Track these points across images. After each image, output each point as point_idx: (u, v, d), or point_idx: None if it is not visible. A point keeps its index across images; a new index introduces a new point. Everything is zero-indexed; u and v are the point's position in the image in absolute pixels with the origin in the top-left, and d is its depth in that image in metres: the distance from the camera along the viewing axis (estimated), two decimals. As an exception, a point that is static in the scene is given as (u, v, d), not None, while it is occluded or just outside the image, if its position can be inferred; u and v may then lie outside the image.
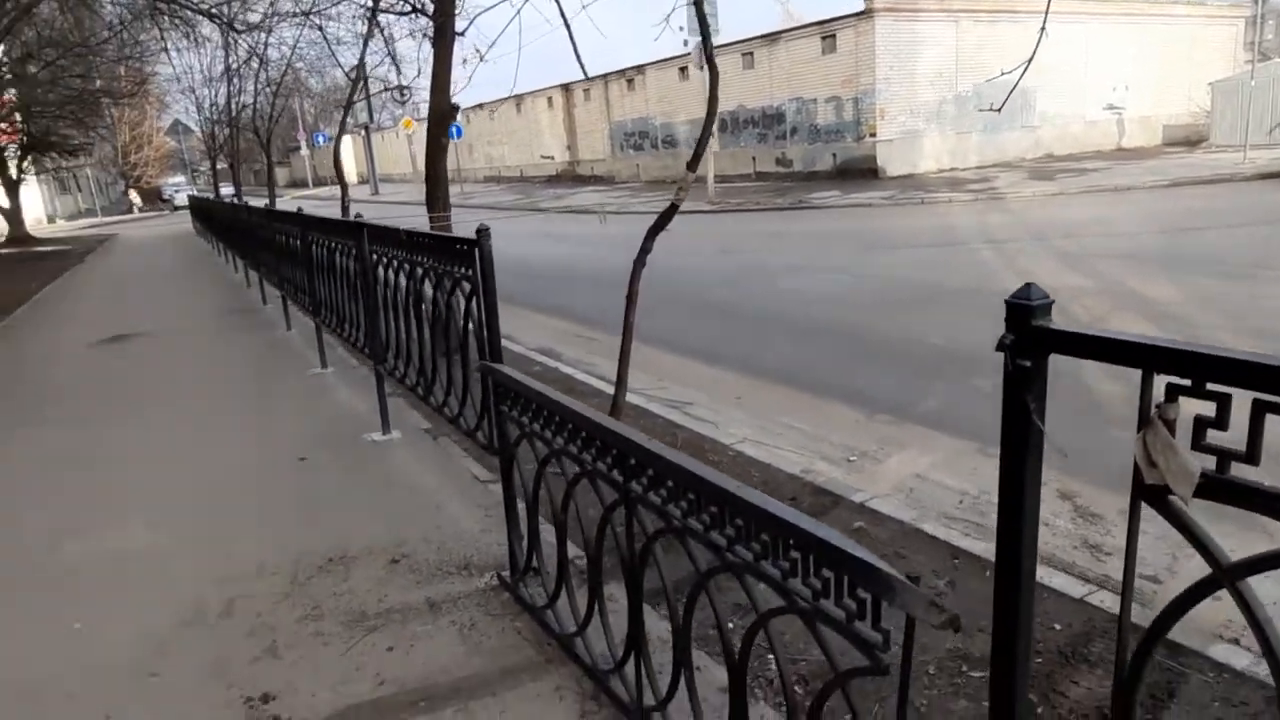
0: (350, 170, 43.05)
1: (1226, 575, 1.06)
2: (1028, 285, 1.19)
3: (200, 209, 22.00)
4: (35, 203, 36.84)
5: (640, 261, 4.39)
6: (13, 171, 27.31)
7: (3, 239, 26.64)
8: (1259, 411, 0.99)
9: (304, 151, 50.49)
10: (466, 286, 3.31)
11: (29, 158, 28.21)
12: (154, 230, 30.19)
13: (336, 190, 10.99)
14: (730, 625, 2.59)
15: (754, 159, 27.57)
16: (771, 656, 2.13)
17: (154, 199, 52.09)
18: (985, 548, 3.29)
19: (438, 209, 6.82)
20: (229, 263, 14.87)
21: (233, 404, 6.23)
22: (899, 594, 1.38)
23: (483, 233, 3.10)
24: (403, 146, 45.39)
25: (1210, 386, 1.01)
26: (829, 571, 1.52)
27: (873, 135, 23.69)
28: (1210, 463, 1.06)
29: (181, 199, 49.06)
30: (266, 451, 5.05)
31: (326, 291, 6.15)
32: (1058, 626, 2.83)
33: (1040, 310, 1.16)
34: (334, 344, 7.27)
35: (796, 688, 2.45)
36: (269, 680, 2.73)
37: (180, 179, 54.15)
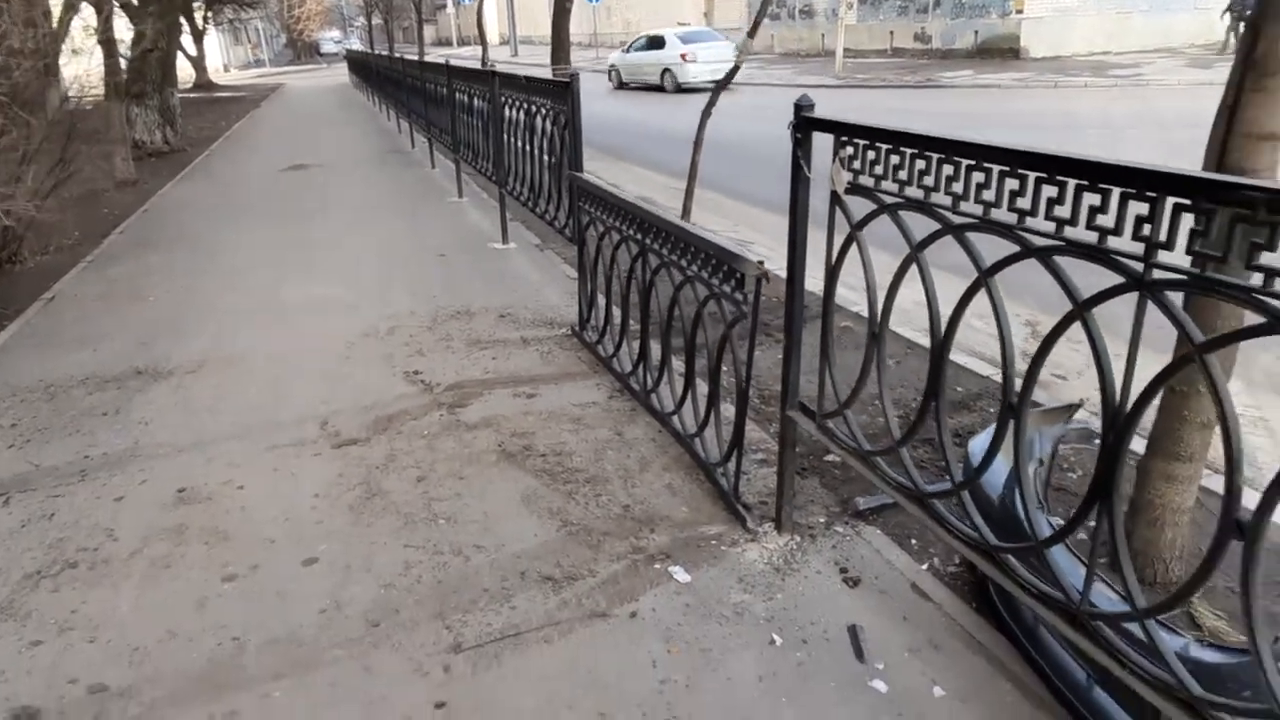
0: (492, 32, 44.12)
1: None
2: (804, 95, 2.33)
3: (357, 61, 23.82)
4: (214, 52, 39.89)
5: (706, 113, 5.51)
6: (198, 22, 29.91)
7: (190, 84, 29.51)
8: (873, 149, 2.10)
9: (450, 10, 51.75)
10: (562, 119, 4.55)
11: (211, 9, 30.74)
12: (315, 81, 32.55)
13: (478, 50, 12.27)
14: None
15: (891, 34, 26.85)
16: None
17: (312, 52, 54.97)
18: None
19: (560, 62, 7.97)
20: (382, 111, 16.58)
21: (390, 218, 7.81)
22: (751, 271, 2.59)
23: (574, 77, 4.31)
24: (543, 8, 45.85)
25: (860, 140, 2.13)
26: (725, 267, 2.74)
27: (1019, 11, 22.70)
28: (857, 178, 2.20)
29: (330, 47, 51.71)
30: (415, 249, 6.61)
31: (465, 131, 7.54)
32: (960, 389, 3.95)
33: (808, 109, 2.30)
34: (469, 180, 8.73)
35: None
36: (417, 365, 4.25)
37: (337, 33, 56.76)
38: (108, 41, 9.78)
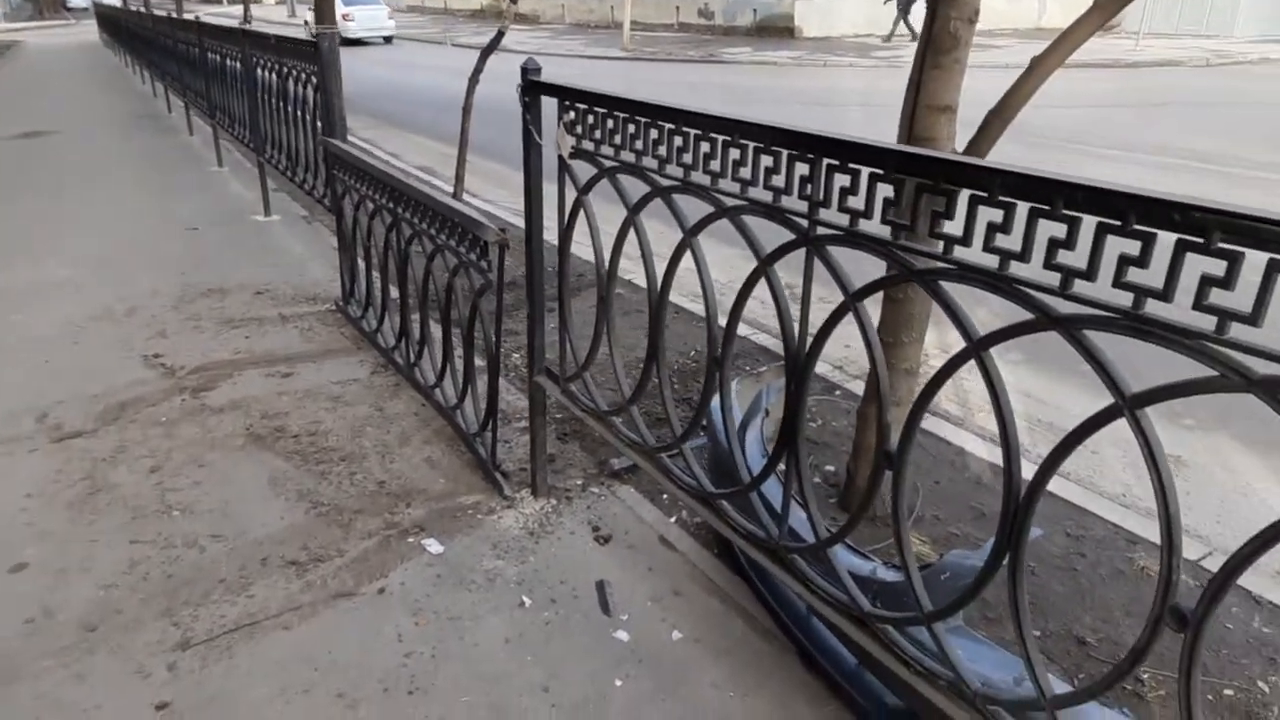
0: (269, -11, 40.95)
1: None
2: (530, 58, 2.33)
3: (108, 18, 21.30)
4: (-78, -3, 34.26)
5: (474, 80, 5.39)
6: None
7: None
8: (592, 113, 2.15)
9: (218, -36, 47.36)
10: (316, 81, 4.30)
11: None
12: (60, 39, 28.81)
13: (250, 10, 11.33)
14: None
15: (677, 8, 27.59)
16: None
17: (58, 6, 48.52)
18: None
19: (325, 22, 7.51)
20: (136, 74, 14.96)
21: (138, 190, 7.08)
22: (492, 237, 2.57)
23: (321, 36, 4.07)
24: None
25: (580, 104, 2.17)
26: (469, 235, 2.71)
27: (795, -6, 24.01)
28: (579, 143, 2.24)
29: (79, 2, 46.16)
30: (165, 224, 6.04)
31: (221, 95, 6.95)
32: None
33: (534, 73, 2.31)
34: (230, 148, 8.07)
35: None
36: (158, 348, 3.90)
37: (84, -16, 50.38)
38: None
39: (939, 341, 3.98)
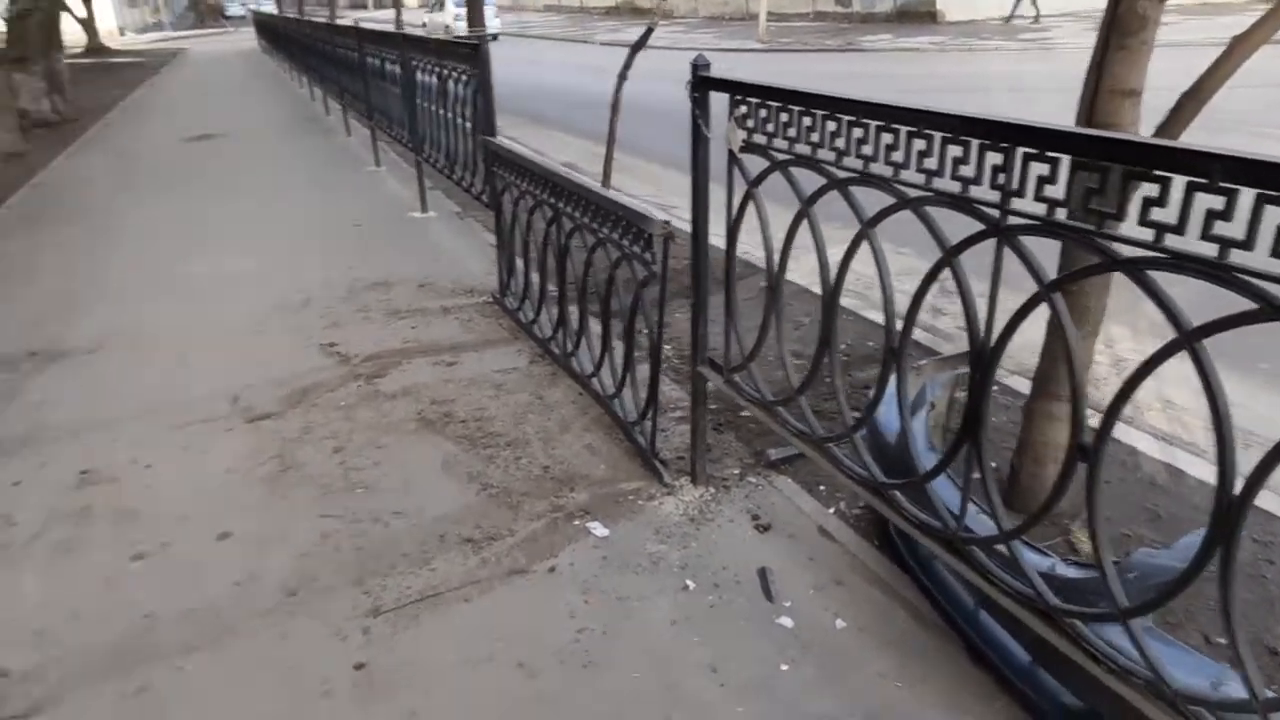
0: (409, -7, 42.83)
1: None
2: (700, 55, 2.37)
3: (265, 25, 22.85)
4: (106, 14, 37.65)
5: (622, 76, 5.48)
6: (87, -20, 28.22)
7: (81, 49, 27.89)
8: (764, 107, 2.17)
9: (364, -28, 49.92)
10: (475, 82, 4.50)
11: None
12: (221, 46, 31.12)
13: (393, 14, 11.93)
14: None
15: (813, -2, 27.06)
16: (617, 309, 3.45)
17: (217, 15, 52.38)
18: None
19: (476, 25, 7.84)
20: (294, 79, 16.00)
21: (303, 189, 7.60)
22: (657, 230, 2.64)
23: (483, 39, 4.26)
24: (462, -30, 44.60)
25: (753, 99, 2.19)
26: (634, 228, 2.78)
27: (935, -26, 23.10)
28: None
29: (236, 10, 49.71)
30: (330, 219, 6.46)
31: (379, 98, 7.36)
32: (871, 344, 4.09)
33: (704, 69, 2.35)
34: (386, 148, 8.54)
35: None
36: (333, 337, 4.20)
37: (243, -7, 54.13)
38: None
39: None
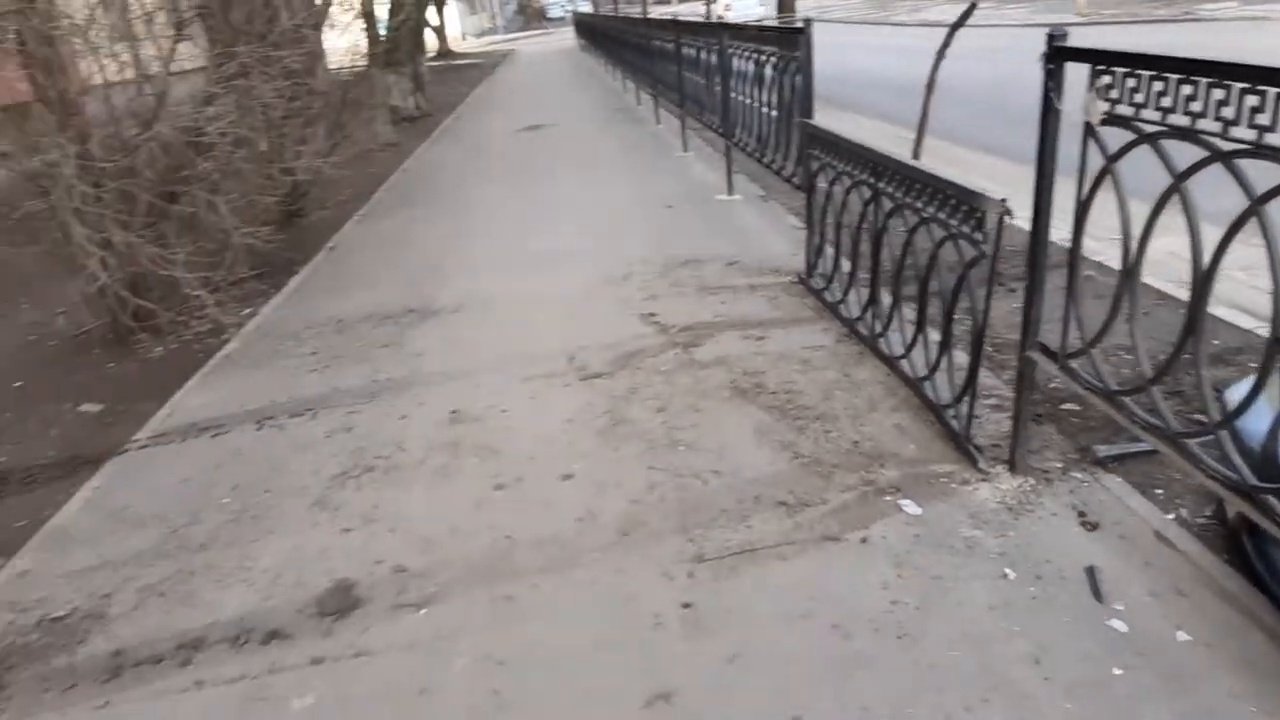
0: (712, -17, 43.81)
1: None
2: (1057, 26, 2.26)
3: (584, 24, 24.68)
4: (453, 22, 42.60)
5: (940, 54, 5.30)
6: (440, -7, 32.16)
7: (434, 54, 31.89)
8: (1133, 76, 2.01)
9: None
10: (794, 65, 4.59)
11: (450, -20, 32.88)
12: (544, 45, 34.08)
13: (699, 7, 12.38)
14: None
15: (1152, -45, 23.75)
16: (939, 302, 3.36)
17: (539, 16, 57.23)
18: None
19: (787, 10, 7.90)
20: (608, 72, 17.17)
21: (620, 173, 8.19)
22: (993, 209, 2.57)
23: (806, 23, 4.33)
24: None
25: (1121, 68, 2.05)
26: (963, 206, 2.72)
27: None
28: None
29: (556, 12, 54.09)
30: (644, 201, 6.93)
31: (691, 86, 7.73)
32: (1216, 342, 3.63)
33: (1060, 39, 2.23)
34: (692, 134, 8.93)
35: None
36: (652, 308, 4.53)
37: (564, -5, 58.69)
38: (368, 15, 10.84)
39: None
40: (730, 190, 6.77)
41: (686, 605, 2.36)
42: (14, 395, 4.35)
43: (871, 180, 3.48)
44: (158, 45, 4.72)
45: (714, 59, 6.53)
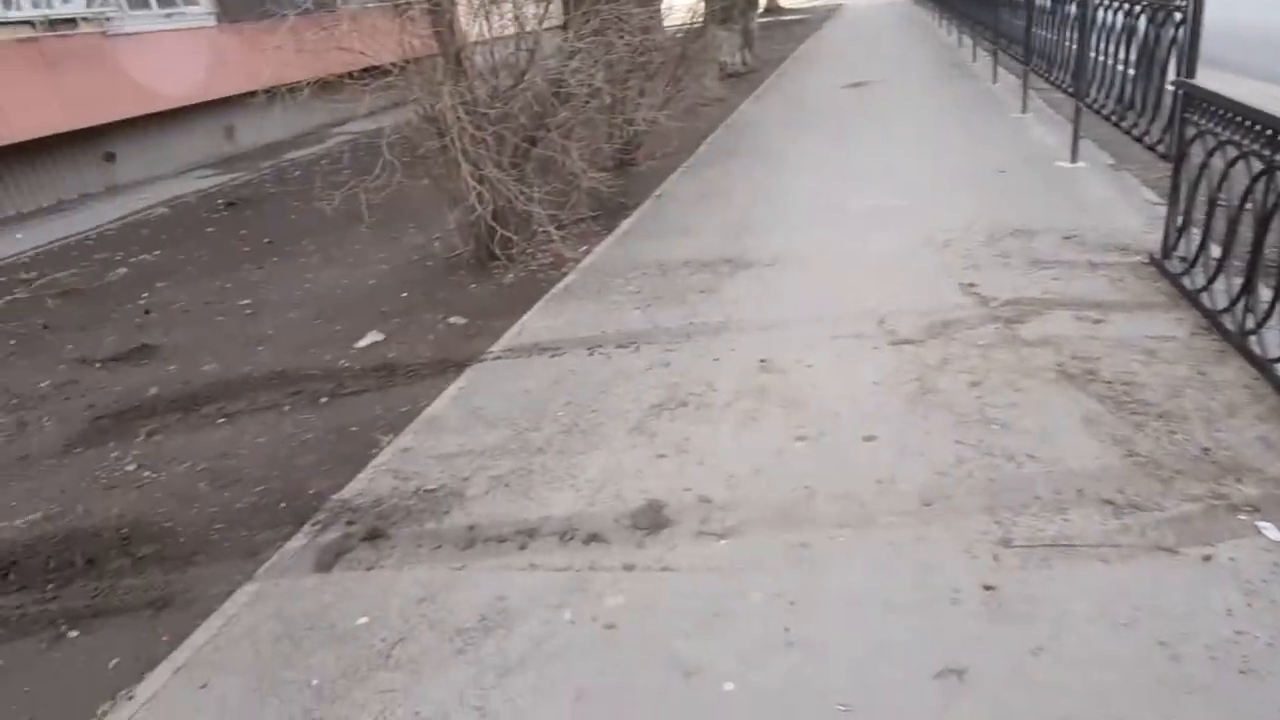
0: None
1: None
2: None
3: (919, -27, 23.28)
4: (780, -27, 42.11)
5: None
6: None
7: (762, 9, 31.87)
8: None
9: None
10: (1177, 16, 4.05)
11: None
12: (872, -4, 32.72)
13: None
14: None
15: None
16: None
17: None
18: None
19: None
20: (941, 27, 16.13)
21: (947, 132, 7.77)
22: None
23: (1203, -32, 3.78)
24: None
25: None
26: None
27: None
28: None
29: None
30: (973, 164, 6.53)
31: (1038, 41, 7.07)
32: None
33: None
34: (1034, 94, 8.19)
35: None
36: (972, 278, 4.31)
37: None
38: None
39: None
40: (1074, 157, 6.16)
41: (989, 587, 2.29)
42: (402, 304, 5.16)
43: (1268, 152, 3.01)
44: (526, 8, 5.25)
45: (1072, 8, 5.92)
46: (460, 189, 4.91)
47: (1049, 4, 6.78)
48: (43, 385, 4.55)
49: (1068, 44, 6.19)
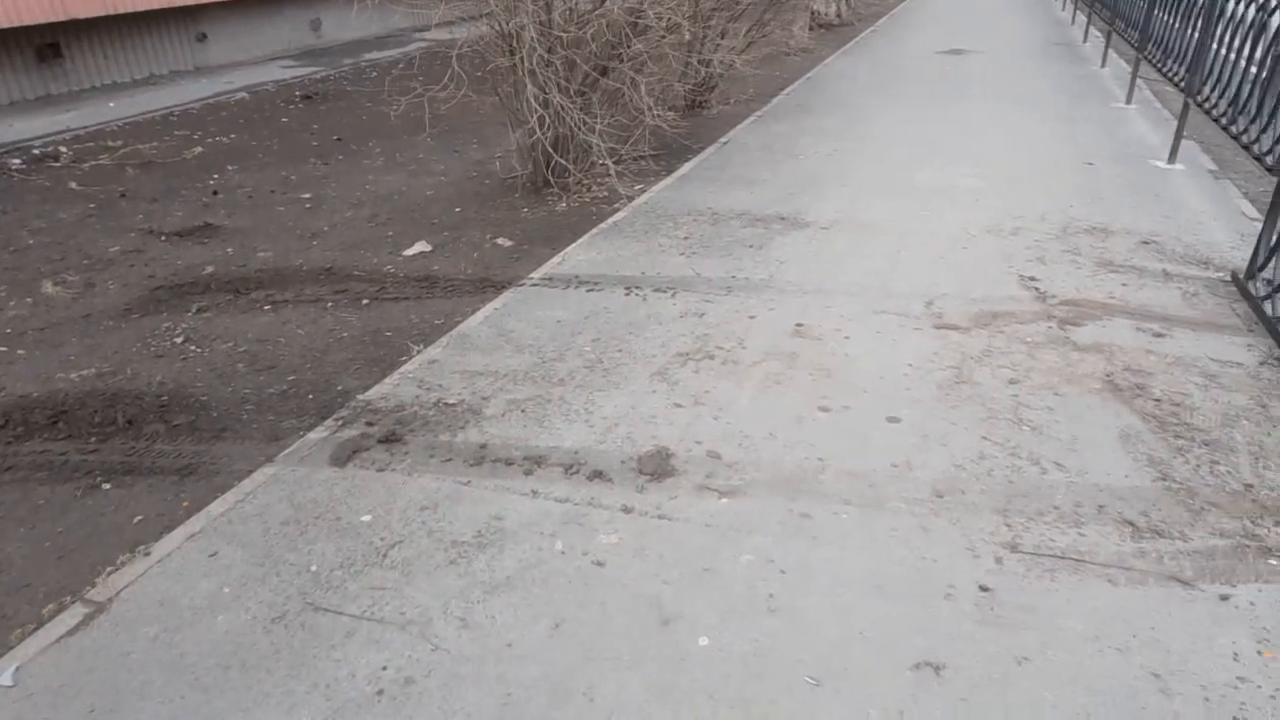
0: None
1: None
2: None
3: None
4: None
5: None
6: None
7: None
8: None
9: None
10: (1311, 21, 3.72)
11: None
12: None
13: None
14: None
15: None
16: None
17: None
18: None
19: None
20: (1057, 0, 15.26)
21: (1039, 115, 7.37)
22: None
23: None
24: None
25: None
26: None
27: None
28: None
29: None
30: (1060, 151, 6.20)
31: (1157, 26, 6.61)
32: None
33: None
34: (1143, 84, 7.71)
35: None
36: (1034, 271, 4.12)
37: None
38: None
39: None
40: (1173, 157, 5.80)
41: (985, 589, 2.22)
42: (453, 218, 5.14)
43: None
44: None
45: (1201, -1, 5.50)
46: (524, 111, 4.83)
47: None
48: (112, 250, 4.67)
49: (1189, 33, 5.78)
